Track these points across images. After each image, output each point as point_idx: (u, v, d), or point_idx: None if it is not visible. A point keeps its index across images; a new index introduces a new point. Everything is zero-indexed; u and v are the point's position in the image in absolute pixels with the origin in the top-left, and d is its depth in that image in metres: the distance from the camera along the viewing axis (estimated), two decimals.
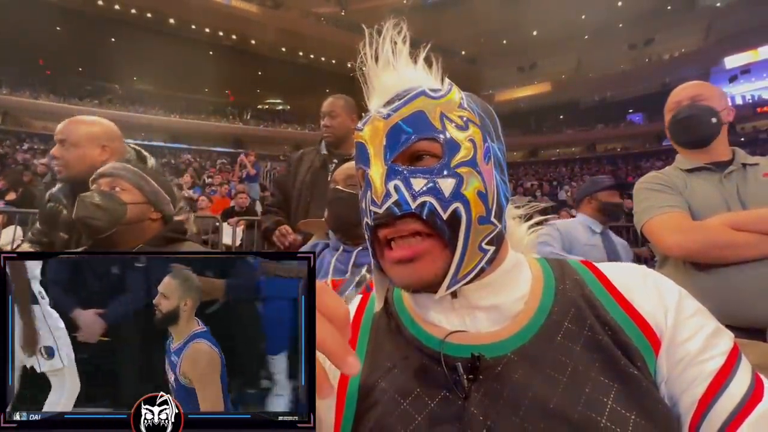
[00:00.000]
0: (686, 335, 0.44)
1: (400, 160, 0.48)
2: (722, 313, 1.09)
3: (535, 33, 30.17)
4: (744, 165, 1.25)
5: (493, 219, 0.48)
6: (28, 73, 23.05)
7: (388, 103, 0.50)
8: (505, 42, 31.08)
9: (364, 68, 0.53)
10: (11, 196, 5.00)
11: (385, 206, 0.46)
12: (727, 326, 1.08)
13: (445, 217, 0.45)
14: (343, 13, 27.09)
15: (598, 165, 22.73)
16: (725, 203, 1.18)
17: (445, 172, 0.46)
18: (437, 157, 0.47)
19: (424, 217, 0.45)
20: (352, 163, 1.44)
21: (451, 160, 0.47)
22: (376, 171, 0.47)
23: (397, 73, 0.52)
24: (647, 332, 0.45)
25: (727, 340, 0.45)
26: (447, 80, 0.53)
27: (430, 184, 0.45)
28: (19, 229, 3.53)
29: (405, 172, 0.47)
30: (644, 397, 0.41)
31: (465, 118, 0.50)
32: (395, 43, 0.52)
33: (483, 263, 0.47)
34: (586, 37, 29.12)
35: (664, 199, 1.24)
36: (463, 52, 29.86)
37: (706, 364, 0.43)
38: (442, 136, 0.47)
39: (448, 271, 0.46)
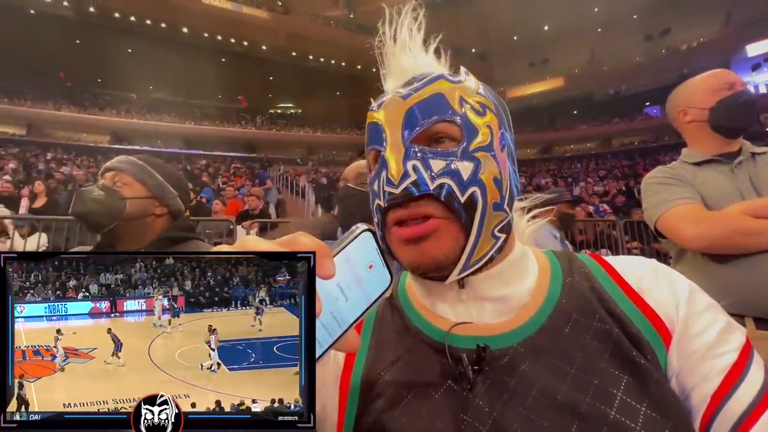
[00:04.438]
0: (698, 329, 0.44)
1: (418, 142, 0.47)
2: (749, 305, 1.07)
3: (546, 28, 29.75)
4: (753, 154, 1.22)
5: (505, 207, 0.48)
6: (50, 85, 23.89)
7: (407, 84, 0.50)
8: (515, 38, 30.74)
9: (382, 49, 0.53)
10: (38, 203, 5.14)
11: (402, 186, 0.44)
12: (755, 319, 1.05)
13: (462, 200, 0.44)
14: (351, 16, 27.22)
15: (614, 160, 22.23)
16: (739, 192, 1.15)
17: (464, 156, 0.46)
18: (456, 140, 0.47)
19: (442, 199, 0.44)
20: (363, 161, 1.47)
21: (470, 144, 0.46)
22: (394, 151, 0.46)
23: (414, 57, 0.52)
24: (658, 325, 0.44)
25: (739, 335, 0.44)
26: (463, 68, 0.53)
27: (450, 167, 0.45)
28: (44, 235, 3.66)
29: (424, 152, 0.46)
30: (655, 389, 0.40)
31: (482, 104, 0.50)
32: (411, 30, 0.52)
33: (493, 251, 0.47)
34: (599, 30, 28.54)
35: (677, 191, 1.20)
36: (473, 50, 29.60)
37: (719, 359, 0.42)
38: (461, 119, 0.47)
39: (458, 254, 0.45)
